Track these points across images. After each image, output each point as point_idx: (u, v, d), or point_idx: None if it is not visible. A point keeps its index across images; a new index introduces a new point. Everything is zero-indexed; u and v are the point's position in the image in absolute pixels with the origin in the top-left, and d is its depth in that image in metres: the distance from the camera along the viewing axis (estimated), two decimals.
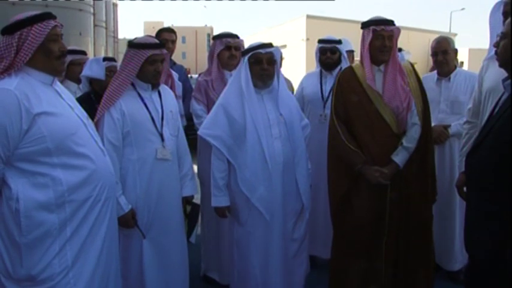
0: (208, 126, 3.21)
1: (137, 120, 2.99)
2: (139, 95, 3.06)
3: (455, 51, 4.19)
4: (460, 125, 3.74)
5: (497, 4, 3.05)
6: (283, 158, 3.17)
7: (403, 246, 3.17)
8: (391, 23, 3.16)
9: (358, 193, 3.18)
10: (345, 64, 4.13)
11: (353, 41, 4.94)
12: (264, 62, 3.13)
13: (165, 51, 3.17)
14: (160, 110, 3.09)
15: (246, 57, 3.16)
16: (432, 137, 3.41)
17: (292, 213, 3.26)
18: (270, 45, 3.19)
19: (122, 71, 3.02)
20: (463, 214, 3.37)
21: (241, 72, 3.17)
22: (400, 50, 4.57)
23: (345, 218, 3.22)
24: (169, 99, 3.24)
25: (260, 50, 3.14)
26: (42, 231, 2.21)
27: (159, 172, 3.03)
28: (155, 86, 3.13)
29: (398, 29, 3.19)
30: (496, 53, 2.50)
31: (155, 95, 3.13)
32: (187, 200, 3.31)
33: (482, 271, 2.46)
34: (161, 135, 3.03)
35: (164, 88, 3.30)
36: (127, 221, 2.86)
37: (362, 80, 3.19)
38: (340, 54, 4.21)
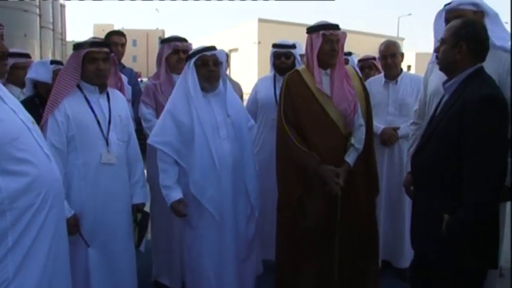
0: (157, 133, 3.21)
1: (82, 124, 2.93)
2: (86, 98, 3.00)
3: (402, 55, 4.31)
4: (408, 127, 3.81)
5: (440, 11, 3.15)
6: (232, 158, 3.20)
7: (355, 243, 3.23)
8: (338, 27, 3.22)
9: (310, 195, 3.21)
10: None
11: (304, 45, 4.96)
12: (210, 64, 3.17)
13: (105, 49, 3.11)
14: (107, 114, 3.04)
15: (192, 61, 3.19)
16: (373, 137, 3.50)
17: (243, 213, 3.28)
18: (214, 47, 3.23)
19: (64, 73, 2.97)
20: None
21: (188, 76, 3.19)
22: (350, 53, 4.65)
23: (297, 221, 3.23)
24: (119, 103, 3.19)
25: (206, 53, 3.19)
26: None
27: (104, 177, 2.97)
28: (102, 88, 3.08)
29: (345, 34, 3.25)
30: (436, 57, 2.62)
31: (103, 99, 3.07)
32: (137, 208, 3.25)
33: (427, 268, 2.54)
34: (106, 140, 2.98)
35: (114, 92, 3.25)
36: (69, 228, 2.72)
37: (310, 83, 3.22)
38: (295, 58, 4.23)
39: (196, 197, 3.12)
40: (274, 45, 4.31)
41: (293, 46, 4.25)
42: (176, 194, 3.14)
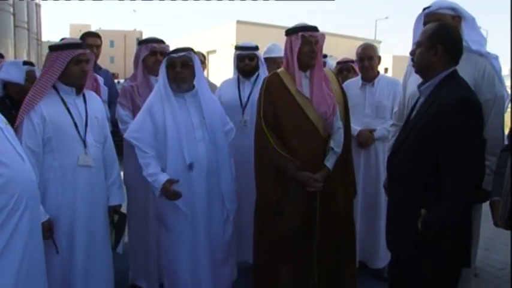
0: (135, 129, 3.22)
1: (59, 126, 2.89)
2: (62, 100, 2.97)
3: (379, 58, 4.34)
4: (385, 129, 3.91)
5: (419, 15, 3.18)
6: (207, 161, 3.21)
7: (333, 245, 3.24)
8: (316, 29, 3.24)
9: (288, 198, 3.21)
10: (262, 70, 4.18)
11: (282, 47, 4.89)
12: (177, 66, 3.20)
13: (88, 51, 3.10)
14: (84, 116, 3.01)
15: (164, 62, 3.26)
16: (351, 139, 3.53)
17: (218, 216, 3.28)
18: (184, 49, 3.25)
19: (44, 74, 2.93)
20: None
21: (160, 77, 3.26)
22: (325, 56, 4.68)
23: (275, 222, 3.23)
24: (95, 105, 3.16)
25: (173, 55, 3.23)
26: None
27: (82, 179, 2.94)
28: (79, 90, 3.05)
29: (323, 35, 3.26)
30: (412, 60, 2.64)
31: (79, 100, 3.04)
32: (114, 209, 3.22)
33: (402, 268, 2.57)
34: (84, 142, 2.95)
35: (90, 94, 3.22)
36: (43, 232, 2.64)
37: (290, 86, 3.23)
38: (258, 60, 4.23)
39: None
40: (237, 48, 4.32)
41: (256, 48, 4.25)
42: (163, 177, 3.09)
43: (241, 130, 3.91)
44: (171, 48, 3.79)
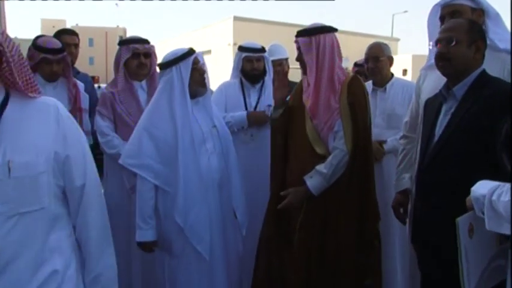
0: (132, 154, 3.16)
1: None
2: None
3: (390, 58, 4.28)
4: (396, 140, 3.79)
5: (434, 7, 3.17)
6: (220, 174, 3.24)
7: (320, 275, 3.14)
8: (303, 33, 3.24)
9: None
10: (269, 76, 4.18)
11: (286, 47, 4.80)
12: (200, 68, 3.21)
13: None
14: None
15: (187, 62, 3.16)
16: (369, 165, 3.25)
17: (232, 234, 3.34)
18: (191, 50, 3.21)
19: None
20: (403, 235, 3.53)
21: (175, 82, 3.13)
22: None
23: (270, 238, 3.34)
24: None
25: (198, 57, 3.22)
26: None
27: None
28: None
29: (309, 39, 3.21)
30: (439, 59, 2.63)
31: None
32: None
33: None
34: None
35: None
36: None
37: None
38: (265, 64, 4.23)
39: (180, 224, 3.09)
40: (243, 49, 4.27)
41: (263, 50, 4.24)
42: (150, 234, 3.12)
43: (246, 144, 3.90)
44: (157, 50, 3.85)
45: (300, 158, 3.22)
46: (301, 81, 3.41)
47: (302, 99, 3.28)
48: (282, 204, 3.14)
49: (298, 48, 3.23)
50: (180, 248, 3.15)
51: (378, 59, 4.17)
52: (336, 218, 3.10)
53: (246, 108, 4.12)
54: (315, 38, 3.18)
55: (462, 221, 2.12)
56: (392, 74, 4.29)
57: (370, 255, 3.19)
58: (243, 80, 4.25)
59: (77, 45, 4.64)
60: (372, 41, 4.68)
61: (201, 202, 3.12)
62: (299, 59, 3.25)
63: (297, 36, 3.25)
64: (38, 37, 3.92)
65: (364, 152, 3.15)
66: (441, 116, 2.64)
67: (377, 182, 3.85)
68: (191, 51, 3.18)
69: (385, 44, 4.37)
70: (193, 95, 3.20)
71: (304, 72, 3.26)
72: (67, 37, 4.54)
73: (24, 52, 3.18)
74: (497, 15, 3.08)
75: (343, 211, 3.10)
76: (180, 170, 3.06)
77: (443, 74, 2.66)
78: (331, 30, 3.22)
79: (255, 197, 3.67)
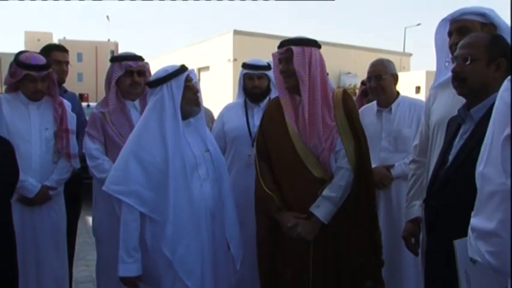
0: (118, 181, 3.08)
1: None
2: None
3: (395, 76, 4.24)
4: (405, 165, 3.80)
5: (442, 22, 3.20)
6: (213, 202, 3.22)
7: None
8: (288, 42, 3.25)
9: (279, 245, 3.26)
10: (274, 94, 4.11)
11: None
12: (193, 87, 3.20)
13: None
14: None
15: (179, 80, 3.13)
16: (372, 181, 3.37)
17: (223, 266, 3.32)
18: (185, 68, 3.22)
19: None
20: (416, 265, 3.58)
21: (165, 102, 3.09)
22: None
23: (270, 272, 3.31)
24: None
25: (189, 74, 3.20)
26: None
27: None
28: None
29: (300, 49, 3.20)
30: (456, 79, 2.61)
31: None
32: None
33: None
34: None
35: None
36: None
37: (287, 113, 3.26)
38: (269, 81, 4.24)
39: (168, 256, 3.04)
40: (245, 66, 4.31)
41: (268, 67, 4.23)
42: (134, 268, 3.04)
43: (248, 166, 3.87)
44: (152, 67, 3.84)
45: (294, 185, 3.20)
46: (275, 98, 3.42)
47: (281, 118, 3.24)
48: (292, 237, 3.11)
49: (284, 59, 3.21)
50: (170, 283, 3.08)
51: (380, 77, 4.15)
52: (347, 234, 3.13)
53: (249, 129, 4.15)
54: (308, 49, 3.20)
55: (460, 245, 2.11)
56: (398, 93, 4.28)
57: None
58: (246, 98, 4.29)
59: (68, 63, 4.64)
60: (384, 56, 4.68)
61: (192, 232, 3.08)
62: (286, 70, 3.20)
63: (285, 45, 3.22)
64: (20, 52, 3.90)
65: (364, 169, 3.19)
66: (457, 139, 2.62)
67: (385, 210, 3.98)
68: (183, 68, 3.17)
69: (388, 61, 4.35)
70: (186, 116, 3.18)
71: (292, 87, 3.22)
72: (58, 54, 4.55)
73: (6, 67, 3.23)
74: (509, 29, 3.04)
75: (354, 228, 3.14)
76: (170, 197, 3.01)
77: (460, 94, 2.65)
78: (318, 46, 3.27)
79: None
